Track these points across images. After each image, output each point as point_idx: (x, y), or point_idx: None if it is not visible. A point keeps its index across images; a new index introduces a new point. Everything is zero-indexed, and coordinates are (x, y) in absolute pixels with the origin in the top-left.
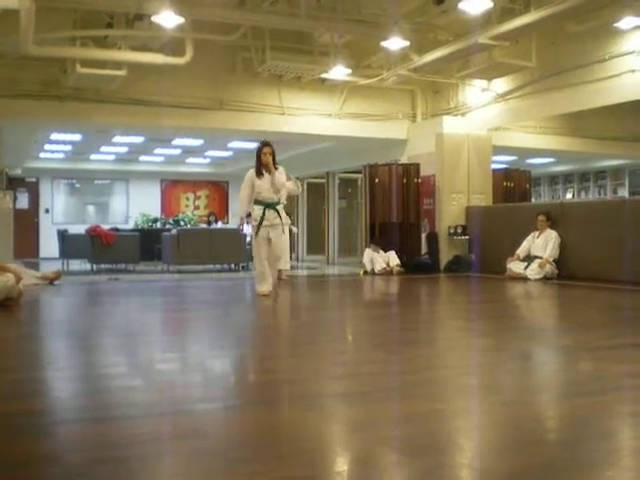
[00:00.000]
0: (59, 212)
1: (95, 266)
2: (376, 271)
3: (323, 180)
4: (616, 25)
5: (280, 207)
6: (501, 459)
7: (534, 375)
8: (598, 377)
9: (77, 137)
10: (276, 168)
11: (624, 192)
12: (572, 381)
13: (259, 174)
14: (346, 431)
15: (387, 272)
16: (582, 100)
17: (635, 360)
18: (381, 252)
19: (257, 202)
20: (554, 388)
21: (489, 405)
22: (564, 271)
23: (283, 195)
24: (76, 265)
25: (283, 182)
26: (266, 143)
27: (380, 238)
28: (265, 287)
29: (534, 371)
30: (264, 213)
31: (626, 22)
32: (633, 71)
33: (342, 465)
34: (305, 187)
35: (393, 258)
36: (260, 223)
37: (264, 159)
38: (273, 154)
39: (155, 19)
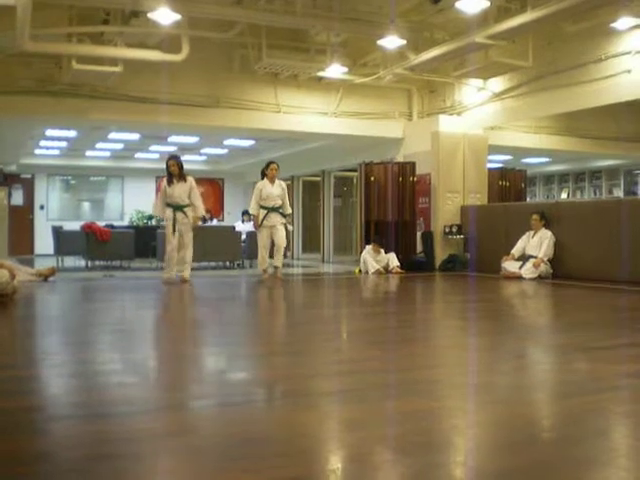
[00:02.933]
0: (54, 209)
1: (90, 263)
2: (370, 273)
3: (319, 178)
4: (612, 25)
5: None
6: (496, 458)
7: (529, 374)
8: (593, 377)
9: (72, 133)
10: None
11: (619, 192)
12: (567, 380)
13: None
14: (341, 429)
15: (382, 272)
16: (578, 100)
17: (630, 360)
18: (382, 252)
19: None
20: (549, 387)
21: (484, 404)
22: (559, 271)
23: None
24: (71, 262)
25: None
26: (272, 162)
27: (379, 238)
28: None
29: (529, 370)
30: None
31: (622, 22)
32: (629, 71)
33: (337, 463)
34: (301, 185)
35: (393, 259)
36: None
37: (271, 173)
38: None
39: (151, 16)
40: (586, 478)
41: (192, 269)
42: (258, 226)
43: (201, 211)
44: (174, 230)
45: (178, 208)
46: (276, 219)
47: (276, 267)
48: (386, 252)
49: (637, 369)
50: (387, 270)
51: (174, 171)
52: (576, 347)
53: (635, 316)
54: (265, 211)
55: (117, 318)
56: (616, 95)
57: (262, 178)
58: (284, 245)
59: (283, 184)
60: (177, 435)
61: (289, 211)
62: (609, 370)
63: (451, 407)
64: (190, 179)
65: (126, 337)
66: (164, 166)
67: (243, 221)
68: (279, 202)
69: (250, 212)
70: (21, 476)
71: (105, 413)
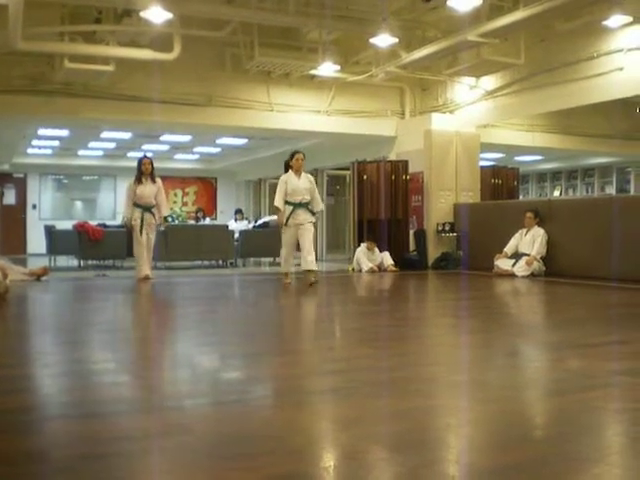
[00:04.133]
0: (46, 208)
1: (82, 262)
2: (363, 271)
3: (311, 177)
4: (605, 23)
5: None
6: (489, 455)
7: (522, 372)
8: (586, 374)
9: (65, 133)
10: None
11: (611, 190)
12: (559, 378)
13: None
14: (335, 427)
15: (376, 270)
16: (570, 98)
17: (622, 357)
18: (376, 250)
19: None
20: (542, 385)
21: (477, 401)
22: (552, 268)
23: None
24: (63, 261)
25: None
26: (297, 151)
27: (375, 235)
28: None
29: (522, 368)
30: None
31: (615, 20)
32: (621, 69)
33: (331, 461)
34: None
35: (387, 258)
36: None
37: (296, 164)
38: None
39: (143, 14)
40: (578, 475)
41: (184, 268)
42: (283, 224)
43: (166, 211)
44: (141, 231)
45: (147, 209)
46: (304, 216)
47: (308, 271)
48: (380, 251)
49: (628, 366)
50: (381, 269)
51: (147, 170)
52: (568, 344)
53: (626, 313)
54: (291, 207)
55: (109, 317)
56: (608, 93)
57: (286, 170)
58: (312, 247)
59: (310, 177)
60: (169, 434)
61: (320, 207)
62: (601, 367)
63: (444, 405)
64: (159, 180)
65: (118, 336)
66: (157, 165)
67: (236, 220)
68: (307, 197)
69: (275, 205)
70: (12, 476)
71: (97, 412)
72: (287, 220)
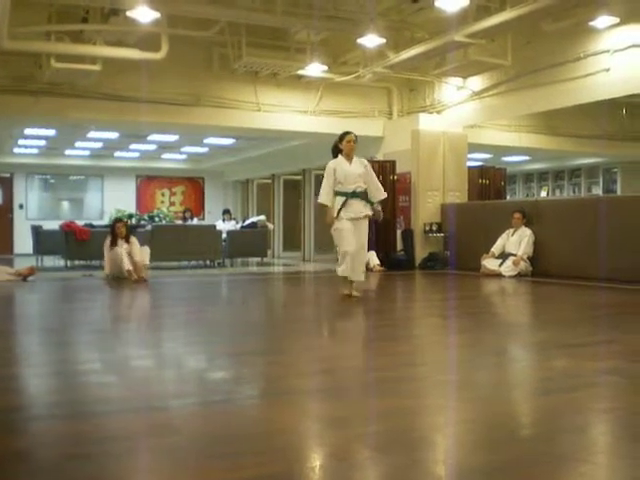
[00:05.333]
0: (33, 208)
1: (69, 262)
2: None
3: (299, 177)
4: (591, 24)
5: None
6: (476, 455)
7: (509, 371)
8: (572, 374)
9: (51, 132)
10: None
11: (598, 190)
12: (546, 377)
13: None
14: (322, 427)
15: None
16: (557, 98)
17: (608, 357)
18: None
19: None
20: (528, 384)
21: (464, 401)
22: (538, 268)
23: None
24: (50, 261)
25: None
26: (348, 132)
27: None
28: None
29: (509, 368)
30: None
31: (601, 21)
32: (608, 70)
33: (318, 461)
34: (281, 184)
35: (373, 258)
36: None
37: (347, 147)
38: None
39: (130, 14)
40: (564, 474)
41: (171, 268)
42: (333, 220)
43: (145, 266)
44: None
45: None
46: (359, 208)
47: (352, 281)
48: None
49: (614, 366)
50: (367, 268)
51: (121, 233)
52: (555, 344)
53: (612, 313)
54: (343, 198)
55: (96, 318)
56: (595, 93)
57: (334, 156)
58: (366, 248)
59: (365, 161)
60: (156, 434)
61: (383, 195)
62: (587, 367)
63: (431, 405)
64: (133, 239)
65: (105, 337)
66: (144, 165)
67: (224, 220)
68: (362, 185)
69: (320, 202)
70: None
71: (84, 412)
72: (338, 213)
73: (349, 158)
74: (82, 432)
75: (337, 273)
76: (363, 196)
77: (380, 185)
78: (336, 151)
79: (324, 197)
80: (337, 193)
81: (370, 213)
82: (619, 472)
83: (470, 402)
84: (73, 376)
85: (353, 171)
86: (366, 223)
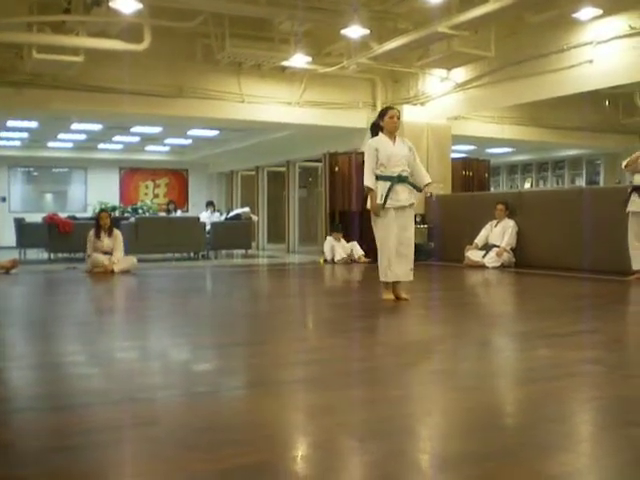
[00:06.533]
0: (16, 201)
1: (52, 255)
2: (336, 260)
3: (283, 169)
4: (575, 16)
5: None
6: (459, 444)
7: (492, 361)
8: (554, 363)
9: (34, 124)
10: None
11: (581, 182)
12: (529, 367)
13: None
14: (305, 417)
15: (348, 261)
16: (540, 90)
17: (590, 346)
18: (343, 241)
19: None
20: (511, 374)
21: (447, 391)
22: (521, 259)
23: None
24: (33, 254)
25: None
26: (391, 107)
27: (341, 226)
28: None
29: (492, 357)
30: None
31: (585, 13)
32: (591, 61)
33: (301, 450)
34: (265, 176)
35: (357, 249)
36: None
37: (390, 125)
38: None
39: (113, 5)
40: (546, 463)
41: (155, 261)
42: (378, 208)
43: (125, 260)
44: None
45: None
46: (405, 196)
47: (397, 282)
48: (348, 241)
49: (596, 355)
50: (352, 259)
51: (105, 224)
52: (538, 334)
53: (594, 303)
54: (388, 183)
55: (80, 310)
56: (578, 85)
57: (374, 133)
58: (413, 240)
59: (409, 142)
60: (139, 425)
61: (428, 179)
62: (569, 357)
63: (414, 394)
64: (117, 233)
65: (89, 329)
66: (128, 157)
67: (208, 211)
68: (407, 168)
69: (366, 185)
70: None
71: (67, 404)
72: (385, 201)
73: (392, 137)
74: (66, 424)
75: (380, 279)
76: (409, 181)
77: (424, 169)
78: (375, 129)
79: (369, 179)
80: (380, 177)
81: (414, 201)
82: (600, 461)
83: (453, 392)
84: (57, 368)
85: (398, 152)
86: (412, 213)
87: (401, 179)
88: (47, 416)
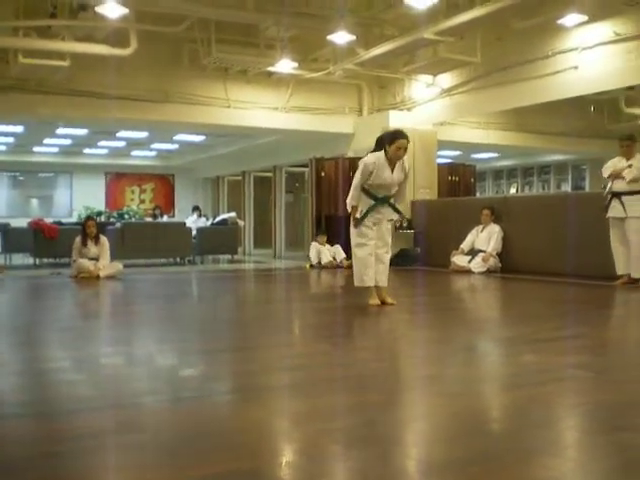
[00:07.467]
0: (1, 205)
1: (38, 260)
2: (322, 264)
3: (270, 174)
4: (560, 22)
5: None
6: (444, 449)
7: (477, 366)
8: (540, 369)
9: (19, 129)
10: None
11: (567, 187)
12: (514, 372)
13: None
14: (291, 423)
15: (333, 266)
16: (526, 96)
17: (576, 352)
18: (327, 245)
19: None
20: (496, 379)
21: (432, 396)
22: (507, 264)
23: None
24: (19, 259)
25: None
26: (402, 134)
27: (327, 230)
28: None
29: (477, 363)
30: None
31: (570, 19)
32: (576, 67)
33: (286, 457)
34: (252, 181)
35: (339, 252)
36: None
37: (395, 154)
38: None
39: (99, 9)
40: (531, 468)
41: (141, 266)
42: (358, 223)
43: (110, 265)
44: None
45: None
46: (385, 214)
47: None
48: (332, 245)
49: (581, 360)
50: (337, 263)
51: (92, 232)
52: (523, 339)
53: (580, 308)
54: (372, 202)
55: (65, 316)
56: (563, 91)
57: (378, 148)
58: (389, 248)
59: (407, 164)
60: (125, 432)
61: (404, 202)
62: (555, 362)
63: (399, 400)
64: (103, 240)
65: (74, 335)
66: (113, 162)
67: (194, 216)
68: (394, 190)
69: (349, 203)
70: None
71: (52, 411)
72: (363, 218)
73: (392, 164)
74: (52, 430)
75: (355, 284)
76: (391, 203)
77: (407, 192)
78: (381, 145)
79: (354, 197)
80: (365, 192)
81: (395, 218)
82: (586, 466)
83: (439, 397)
84: (42, 375)
85: (392, 180)
86: (389, 226)
87: (385, 200)
88: (34, 422)
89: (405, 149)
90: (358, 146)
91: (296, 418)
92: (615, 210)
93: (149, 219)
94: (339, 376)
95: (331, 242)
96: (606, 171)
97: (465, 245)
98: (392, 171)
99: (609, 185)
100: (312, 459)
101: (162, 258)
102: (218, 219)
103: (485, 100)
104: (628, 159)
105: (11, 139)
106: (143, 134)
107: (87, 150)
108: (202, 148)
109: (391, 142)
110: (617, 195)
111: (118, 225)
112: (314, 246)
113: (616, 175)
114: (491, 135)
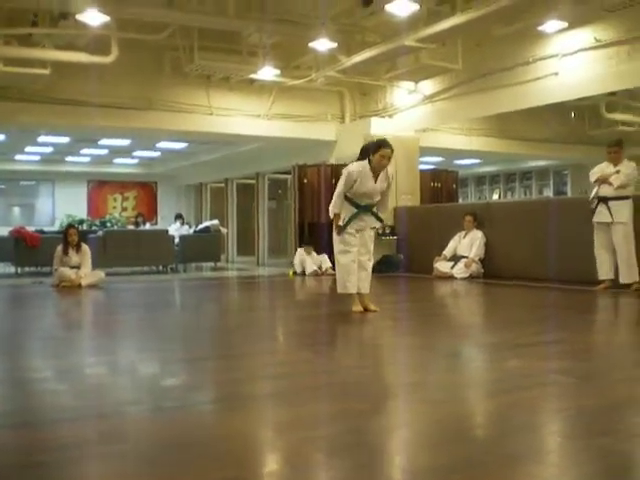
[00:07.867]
0: None
1: (19, 269)
2: (307, 273)
3: (253, 181)
4: (540, 28)
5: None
6: (427, 457)
7: (460, 373)
8: (523, 374)
9: (0, 137)
10: None
11: (549, 192)
12: (498, 378)
13: None
14: (274, 432)
15: (318, 274)
16: (507, 102)
17: (559, 357)
18: (314, 254)
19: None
20: (480, 385)
21: (416, 403)
22: (490, 270)
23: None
24: (0, 268)
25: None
26: (386, 143)
27: (311, 239)
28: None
29: (460, 369)
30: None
31: (550, 25)
32: (556, 74)
33: (269, 465)
34: (235, 188)
35: (325, 261)
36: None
37: (379, 164)
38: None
39: (80, 17)
40: (513, 474)
41: (123, 274)
42: (340, 230)
43: (92, 274)
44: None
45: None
46: (368, 222)
47: (361, 294)
48: (318, 253)
49: (564, 365)
50: (321, 272)
51: (73, 240)
52: (506, 345)
53: (562, 313)
54: (354, 210)
55: (47, 325)
56: (544, 97)
57: (361, 158)
58: (372, 255)
59: (390, 172)
60: (108, 442)
61: (387, 212)
62: (538, 367)
63: (383, 408)
64: (85, 248)
65: (56, 344)
66: (96, 170)
67: (176, 223)
68: (377, 198)
69: (332, 211)
70: None
71: (34, 421)
72: (346, 225)
73: (376, 173)
74: (34, 440)
75: (338, 291)
76: (374, 212)
77: (390, 202)
78: (365, 154)
79: (337, 205)
80: (348, 200)
81: (378, 225)
82: (569, 471)
83: (421, 404)
84: (25, 384)
85: (375, 190)
86: (372, 234)
87: (367, 209)
88: (16, 433)
89: (389, 158)
90: (340, 153)
91: (279, 427)
92: (601, 215)
93: (131, 227)
94: (322, 384)
95: (317, 250)
96: (593, 176)
97: (448, 251)
98: (375, 180)
99: (595, 190)
100: (296, 468)
101: (144, 266)
102: (201, 227)
103: (467, 106)
104: (615, 165)
105: None
106: (125, 142)
107: (69, 158)
108: (185, 155)
109: (375, 151)
110: (604, 200)
111: (100, 233)
112: (299, 254)
113: (603, 180)
114: (473, 141)
